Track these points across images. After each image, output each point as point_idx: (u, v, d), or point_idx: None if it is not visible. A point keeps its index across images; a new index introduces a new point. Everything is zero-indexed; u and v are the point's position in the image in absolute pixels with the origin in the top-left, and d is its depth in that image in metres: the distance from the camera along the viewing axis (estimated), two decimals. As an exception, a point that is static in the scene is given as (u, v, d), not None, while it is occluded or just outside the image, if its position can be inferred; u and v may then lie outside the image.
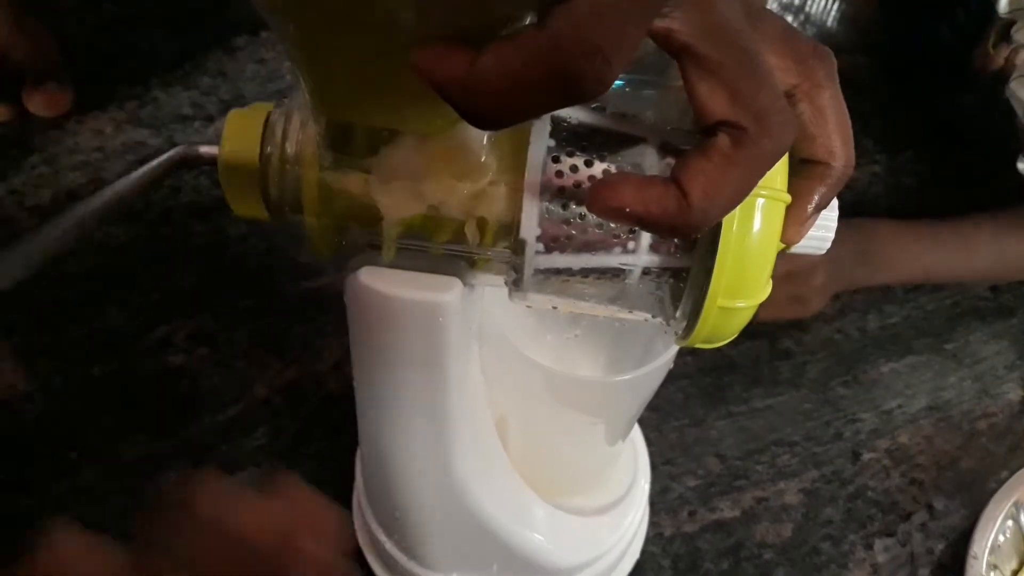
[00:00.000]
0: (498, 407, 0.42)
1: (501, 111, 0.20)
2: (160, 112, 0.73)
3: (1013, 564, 0.54)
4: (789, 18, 0.86)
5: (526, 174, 0.27)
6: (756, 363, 0.65)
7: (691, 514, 0.56)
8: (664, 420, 0.60)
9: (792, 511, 0.57)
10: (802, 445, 0.61)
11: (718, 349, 0.66)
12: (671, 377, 0.63)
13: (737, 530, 0.56)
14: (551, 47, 0.19)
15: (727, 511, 0.57)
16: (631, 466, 0.52)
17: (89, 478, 0.53)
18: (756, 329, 0.66)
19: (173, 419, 0.56)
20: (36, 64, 0.71)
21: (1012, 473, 0.57)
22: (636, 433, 0.54)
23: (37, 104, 0.70)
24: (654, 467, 0.58)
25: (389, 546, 0.46)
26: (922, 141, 0.82)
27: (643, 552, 0.54)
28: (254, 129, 0.29)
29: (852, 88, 0.29)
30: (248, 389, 0.58)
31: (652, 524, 0.55)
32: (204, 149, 0.31)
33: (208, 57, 0.77)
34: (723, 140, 0.22)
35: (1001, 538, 0.54)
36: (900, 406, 0.64)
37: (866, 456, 0.61)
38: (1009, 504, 0.55)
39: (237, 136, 0.30)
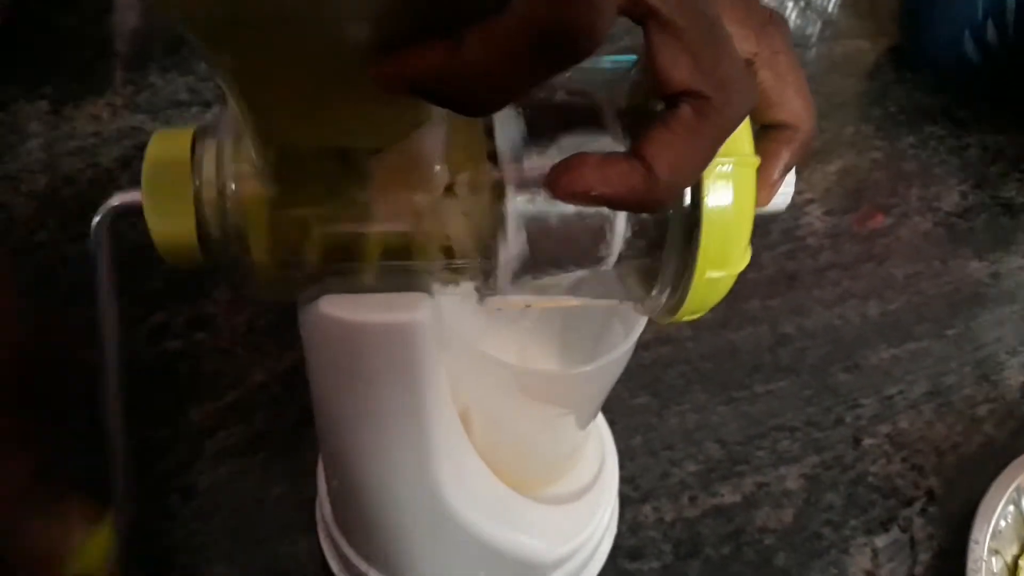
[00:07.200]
0: (459, 402, 0.41)
1: (493, 91, 0.19)
2: (157, 98, 0.73)
3: (1014, 549, 0.54)
4: (790, 4, 0.86)
5: (487, 175, 0.27)
6: (757, 349, 0.65)
7: (692, 499, 0.56)
8: (665, 405, 0.60)
9: (793, 496, 0.57)
10: (803, 430, 0.60)
11: (720, 334, 0.66)
12: (672, 362, 0.63)
13: (738, 515, 0.56)
14: (536, 5, 0.18)
15: (728, 496, 0.57)
16: (598, 445, 0.51)
17: (85, 466, 0.53)
18: (757, 314, 0.67)
19: (170, 405, 0.56)
20: None
21: (1013, 458, 0.57)
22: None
23: None
24: (654, 453, 0.58)
25: (373, 575, 0.45)
26: (923, 127, 0.82)
27: (644, 537, 0.54)
28: (179, 165, 0.27)
29: (853, 74, 0.29)
30: (247, 375, 0.58)
31: (653, 509, 0.55)
32: (125, 198, 0.28)
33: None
34: (686, 110, 0.22)
35: (1002, 523, 0.54)
36: (901, 392, 0.64)
37: (867, 442, 0.60)
38: (1010, 489, 0.54)
39: (159, 175, 0.27)
